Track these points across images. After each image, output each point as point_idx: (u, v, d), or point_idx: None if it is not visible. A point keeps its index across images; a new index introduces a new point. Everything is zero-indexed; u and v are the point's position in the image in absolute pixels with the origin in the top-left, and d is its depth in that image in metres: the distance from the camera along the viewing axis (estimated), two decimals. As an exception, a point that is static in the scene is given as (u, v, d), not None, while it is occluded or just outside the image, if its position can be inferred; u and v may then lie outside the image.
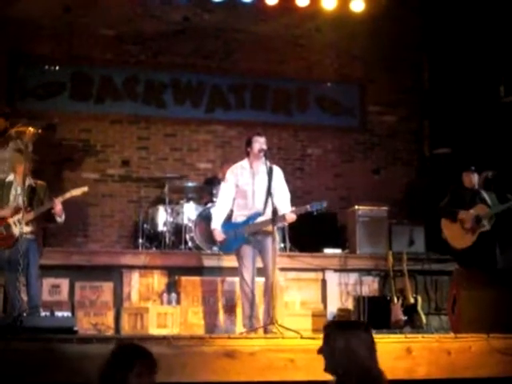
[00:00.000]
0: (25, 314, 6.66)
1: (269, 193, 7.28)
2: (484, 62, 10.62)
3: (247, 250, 7.35)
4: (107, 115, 11.29)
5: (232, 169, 7.67)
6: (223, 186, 7.72)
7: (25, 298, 7.38)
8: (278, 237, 7.37)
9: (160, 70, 11.53)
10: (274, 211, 7.12)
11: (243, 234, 7.33)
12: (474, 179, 8.36)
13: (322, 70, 11.87)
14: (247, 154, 7.56)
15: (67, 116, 11.11)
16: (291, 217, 7.38)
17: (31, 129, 8.63)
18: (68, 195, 7.65)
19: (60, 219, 7.67)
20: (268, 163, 7.39)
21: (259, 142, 7.44)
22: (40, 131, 8.53)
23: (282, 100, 11.87)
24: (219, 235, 7.49)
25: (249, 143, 7.50)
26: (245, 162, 7.58)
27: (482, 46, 10.59)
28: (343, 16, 11.13)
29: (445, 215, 8.45)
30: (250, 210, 7.42)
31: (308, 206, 7.32)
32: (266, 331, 6.97)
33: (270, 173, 7.35)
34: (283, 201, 7.43)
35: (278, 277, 7.21)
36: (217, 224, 7.52)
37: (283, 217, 7.33)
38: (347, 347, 3.67)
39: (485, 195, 8.28)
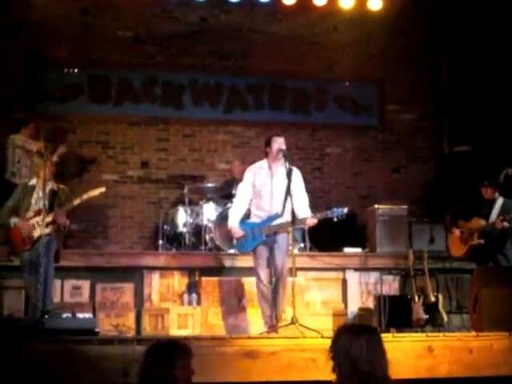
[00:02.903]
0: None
1: (287, 194, 7.27)
2: (503, 58, 10.56)
3: (263, 250, 7.34)
4: (126, 117, 11.34)
5: (251, 168, 7.65)
6: (241, 186, 7.70)
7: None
8: (292, 237, 7.34)
9: (178, 71, 11.57)
10: (293, 213, 7.14)
11: (261, 235, 7.32)
12: (488, 192, 8.26)
13: (339, 69, 11.84)
14: (266, 155, 7.54)
15: (86, 118, 11.17)
16: (312, 221, 7.36)
17: (63, 148, 9.11)
18: (85, 196, 7.70)
19: (64, 229, 7.75)
20: (287, 164, 7.38)
21: (278, 143, 7.42)
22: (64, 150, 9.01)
23: (300, 100, 11.86)
24: (237, 232, 7.47)
25: (268, 144, 7.49)
26: (263, 163, 7.56)
27: (500, 41, 10.53)
28: (361, 15, 11.11)
29: (448, 220, 8.53)
30: (267, 210, 7.40)
31: (329, 212, 7.30)
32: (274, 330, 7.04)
33: (289, 174, 7.33)
34: (301, 204, 7.40)
35: (279, 268, 7.21)
36: (234, 222, 7.50)
37: (304, 221, 7.32)
38: (348, 351, 3.67)
39: (496, 207, 8.19)
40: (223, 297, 8.54)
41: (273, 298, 7.26)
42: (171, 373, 3.73)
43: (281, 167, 7.42)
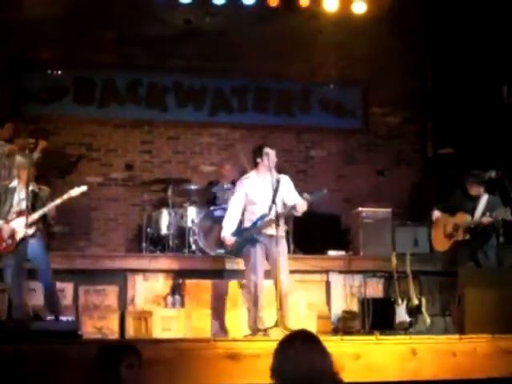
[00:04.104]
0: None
1: (274, 201, 7.32)
2: (487, 62, 10.61)
3: (255, 252, 7.38)
4: (110, 119, 11.29)
5: (241, 180, 7.75)
6: (233, 199, 7.80)
7: (29, 302, 7.43)
8: (284, 241, 7.40)
9: (162, 73, 11.53)
10: (277, 215, 7.20)
11: (252, 235, 7.37)
12: (474, 189, 8.32)
13: (324, 72, 11.83)
14: (255, 165, 7.58)
15: (70, 120, 11.11)
16: (302, 206, 7.40)
17: (43, 142, 9.03)
18: (66, 196, 7.70)
19: (52, 222, 7.79)
20: (275, 173, 7.45)
21: (272, 156, 7.47)
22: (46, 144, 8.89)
23: (284, 102, 11.86)
24: (229, 240, 7.55)
25: (259, 155, 7.51)
26: (252, 174, 7.67)
27: (485, 46, 10.58)
28: (345, 18, 11.09)
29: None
30: (256, 215, 7.48)
31: (308, 196, 7.35)
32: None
33: (277, 183, 7.39)
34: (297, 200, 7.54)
35: (284, 281, 7.22)
36: (226, 232, 7.59)
37: (294, 207, 7.38)
38: (280, 370, 3.51)
39: (481, 203, 8.24)
40: (207, 299, 8.55)
41: (280, 304, 7.21)
42: (116, 371, 3.79)
43: (269, 176, 7.46)
